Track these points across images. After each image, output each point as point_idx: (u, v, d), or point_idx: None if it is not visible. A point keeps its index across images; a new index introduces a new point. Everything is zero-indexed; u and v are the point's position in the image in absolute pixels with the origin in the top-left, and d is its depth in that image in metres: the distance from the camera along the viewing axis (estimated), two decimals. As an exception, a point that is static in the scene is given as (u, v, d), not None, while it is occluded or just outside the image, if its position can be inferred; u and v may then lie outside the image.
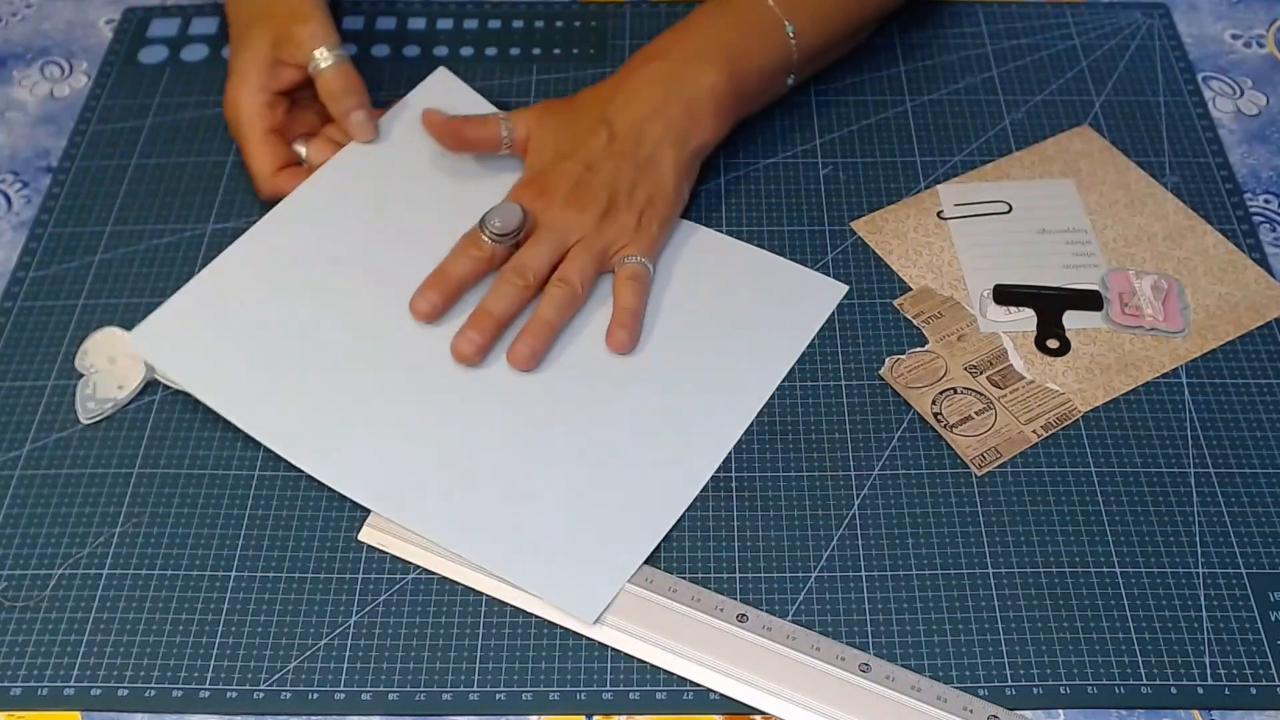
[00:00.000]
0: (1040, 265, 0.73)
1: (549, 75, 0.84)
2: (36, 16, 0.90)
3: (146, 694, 0.58)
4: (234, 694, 0.58)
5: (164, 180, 0.79)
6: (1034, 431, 0.66)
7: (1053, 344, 0.69)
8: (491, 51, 0.86)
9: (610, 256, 0.71)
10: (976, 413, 0.67)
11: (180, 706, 0.58)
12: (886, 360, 0.69)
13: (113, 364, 0.69)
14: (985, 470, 0.65)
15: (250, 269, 0.71)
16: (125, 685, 0.59)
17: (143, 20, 0.89)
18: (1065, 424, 0.66)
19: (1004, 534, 0.63)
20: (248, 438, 0.66)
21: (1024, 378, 0.68)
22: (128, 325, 0.70)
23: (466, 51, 0.86)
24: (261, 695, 0.58)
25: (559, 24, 0.88)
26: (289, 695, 0.58)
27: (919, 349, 0.69)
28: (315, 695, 0.58)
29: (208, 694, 0.58)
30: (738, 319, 0.71)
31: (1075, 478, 0.64)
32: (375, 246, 0.72)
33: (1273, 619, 0.60)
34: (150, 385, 0.69)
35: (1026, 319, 0.70)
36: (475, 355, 0.68)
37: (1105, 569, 0.61)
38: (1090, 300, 0.71)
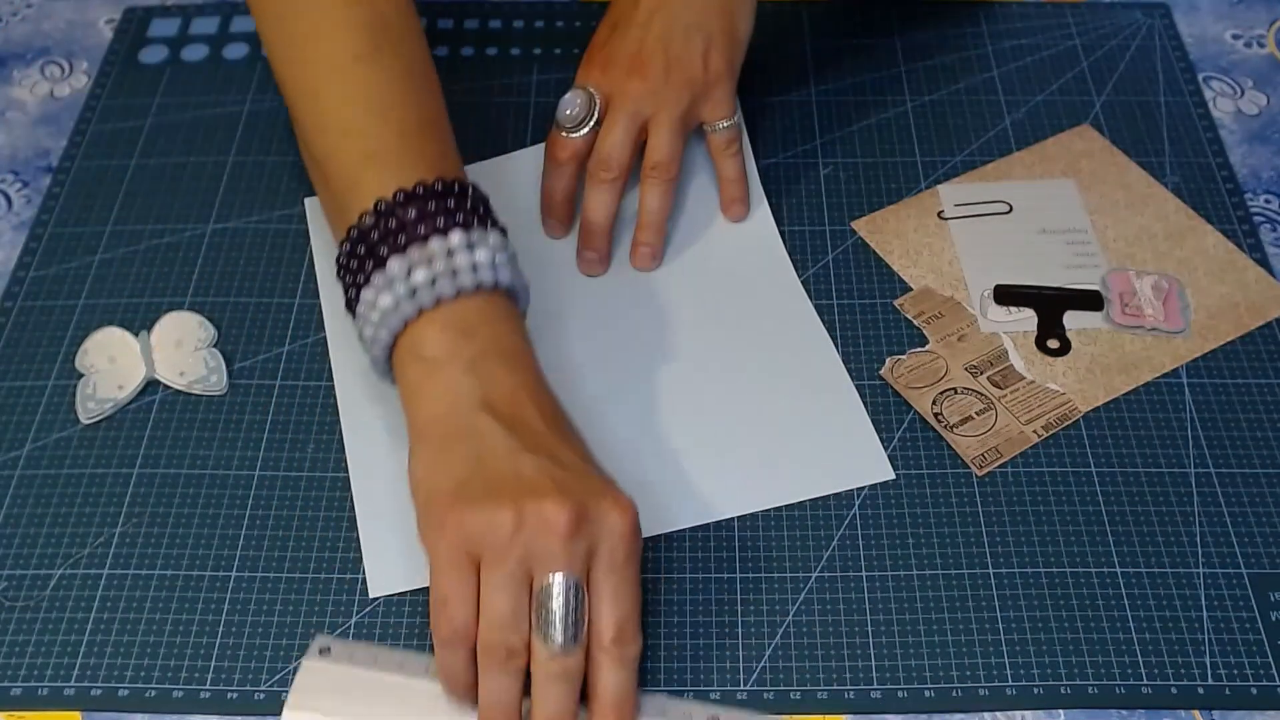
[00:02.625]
0: (1041, 265, 0.73)
1: (549, 75, 0.84)
2: (36, 16, 0.90)
3: (147, 694, 0.58)
4: (235, 694, 0.58)
5: (164, 180, 0.79)
6: (1034, 431, 0.66)
7: (1053, 344, 0.69)
8: (492, 51, 0.86)
9: (692, 117, 0.71)
10: (977, 413, 0.66)
11: (181, 707, 0.58)
12: (886, 360, 0.69)
13: (113, 364, 0.69)
14: (986, 470, 0.65)
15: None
16: (125, 685, 0.59)
17: (143, 20, 0.89)
18: (1066, 424, 0.66)
19: (1004, 534, 0.63)
20: (248, 437, 0.66)
21: (1024, 378, 0.68)
22: (128, 325, 0.70)
23: (467, 51, 0.86)
24: (263, 696, 0.58)
25: (559, 24, 0.88)
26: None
27: (919, 349, 0.69)
28: (315, 695, 0.58)
29: (208, 694, 0.58)
30: (778, 434, 0.66)
31: (1075, 478, 0.64)
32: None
33: (1273, 619, 0.60)
34: (150, 385, 0.69)
35: (1027, 319, 0.70)
36: (600, 266, 0.72)
37: (1105, 569, 0.61)
38: (1091, 300, 0.71)
